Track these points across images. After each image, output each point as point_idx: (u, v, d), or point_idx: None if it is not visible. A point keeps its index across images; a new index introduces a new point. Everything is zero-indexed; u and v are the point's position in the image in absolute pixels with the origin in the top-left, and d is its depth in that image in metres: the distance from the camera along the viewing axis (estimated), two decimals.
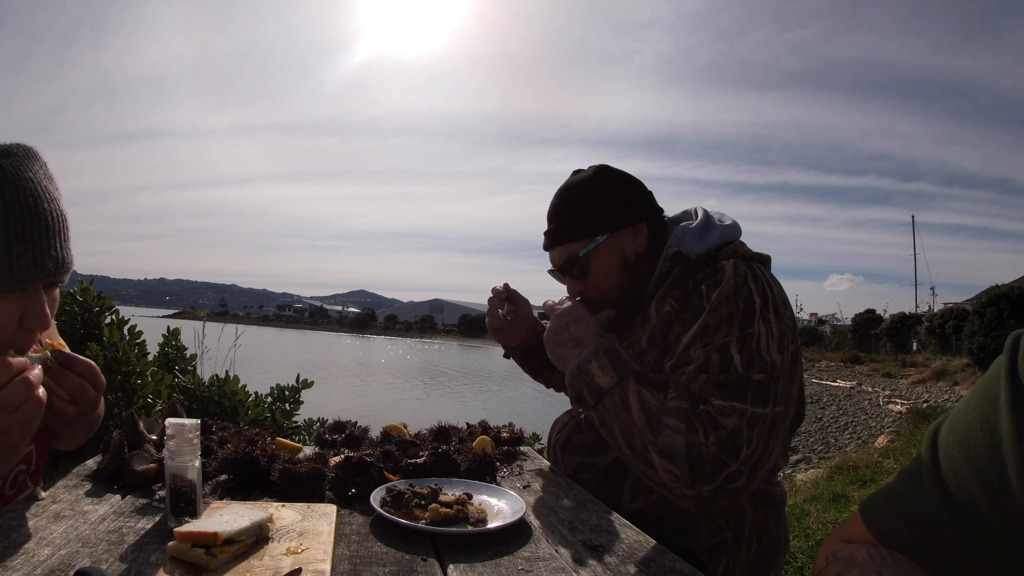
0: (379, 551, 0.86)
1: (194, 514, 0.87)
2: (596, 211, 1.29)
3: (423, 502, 0.98)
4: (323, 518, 0.89)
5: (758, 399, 1.07)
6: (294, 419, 2.86)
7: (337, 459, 1.13)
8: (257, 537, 0.80)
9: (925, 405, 13.59)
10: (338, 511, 0.95)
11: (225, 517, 0.79)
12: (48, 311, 0.91)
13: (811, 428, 13.51)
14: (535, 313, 1.60)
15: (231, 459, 1.09)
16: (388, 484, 1.06)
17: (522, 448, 1.54)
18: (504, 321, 1.53)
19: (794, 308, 1.23)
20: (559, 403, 1.50)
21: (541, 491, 1.20)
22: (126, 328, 2.54)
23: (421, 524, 0.93)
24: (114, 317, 2.59)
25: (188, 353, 2.94)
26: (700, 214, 1.33)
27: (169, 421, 0.89)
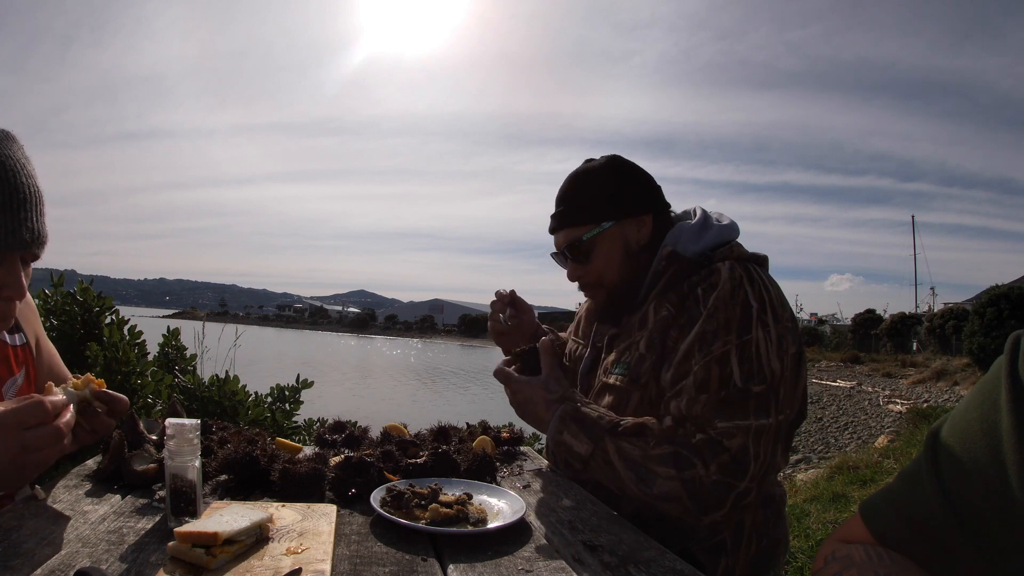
0: (379, 551, 0.86)
1: (194, 514, 0.87)
2: (604, 198, 1.30)
3: (423, 502, 0.98)
4: (323, 518, 0.89)
5: (760, 411, 1.08)
6: (294, 419, 2.86)
7: (337, 459, 1.13)
8: (257, 537, 0.80)
9: (925, 405, 13.56)
10: (338, 511, 0.95)
11: (225, 517, 0.79)
12: (24, 282, 0.95)
13: (811, 428, 13.50)
14: (537, 317, 1.60)
15: (231, 459, 1.09)
16: (388, 484, 1.06)
17: (522, 448, 1.54)
18: (506, 325, 1.54)
19: (794, 308, 1.23)
20: None
21: (541, 491, 1.20)
22: (126, 328, 2.54)
23: (421, 524, 0.93)
24: (114, 317, 2.59)
25: (188, 353, 2.93)
26: (699, 214, 1.33)
27: (169, 421, 0.89)
